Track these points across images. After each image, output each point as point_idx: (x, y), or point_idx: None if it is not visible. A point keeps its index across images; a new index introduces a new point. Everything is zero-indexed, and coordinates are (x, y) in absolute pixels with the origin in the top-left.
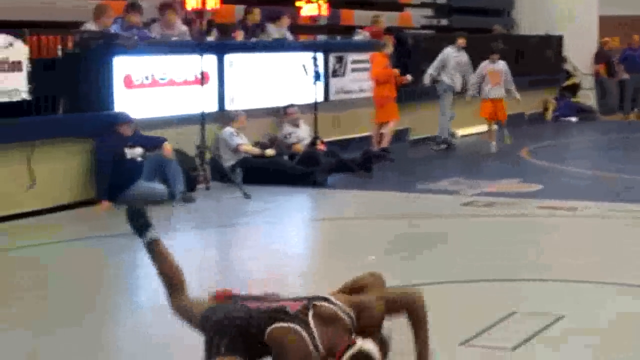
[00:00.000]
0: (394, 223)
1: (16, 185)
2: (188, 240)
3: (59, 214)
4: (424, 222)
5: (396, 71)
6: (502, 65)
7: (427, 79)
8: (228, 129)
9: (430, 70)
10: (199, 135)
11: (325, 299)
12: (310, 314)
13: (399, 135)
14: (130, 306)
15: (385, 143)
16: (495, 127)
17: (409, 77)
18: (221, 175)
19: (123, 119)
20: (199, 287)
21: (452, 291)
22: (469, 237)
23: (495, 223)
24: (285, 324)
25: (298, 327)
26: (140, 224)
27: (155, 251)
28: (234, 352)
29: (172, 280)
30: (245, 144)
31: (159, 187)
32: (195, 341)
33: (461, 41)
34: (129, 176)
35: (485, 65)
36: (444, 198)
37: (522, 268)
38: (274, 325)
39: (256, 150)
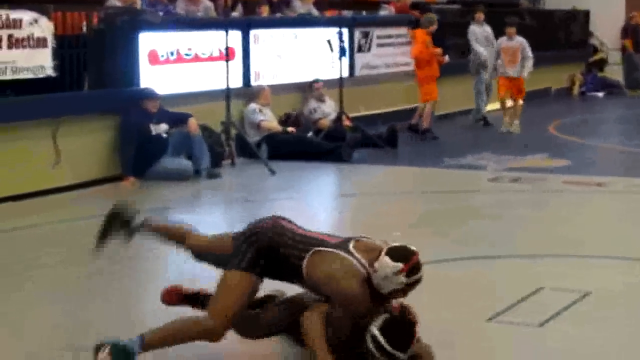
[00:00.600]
0: (420, 198)
1: (42, 162)
2: (213, 216)
3: (84, 191)
4: (451, 198)
5: (438, 50)
6: (519, 41)
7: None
8: (252, 105)
9: (479, 51)
10: (225, 111)
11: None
12: (351, 244)
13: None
14: (154, 281)
15: (425, 123)
16: (510, 103)
17: (447, 57)
18: (247, 151)
19: (148, 95)
20: None
21: (480, 267)
22: (496, 213)
23: (522, 199)
24: (328, 249)
25: (342, 253)
26: (123, 223)
27: (153, 229)
28: (252, 269)
29: (177, 237)
30: (267, 121)
31: (185, 162)
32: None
33: (479, 15)
34: (155, 152)
35: (500, 42)
36: (470, 173)
37: (549, 244)
38: (314, 251)
39: (277, 127)
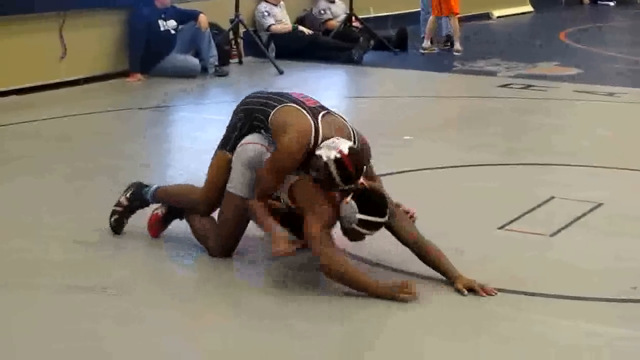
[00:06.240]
0: (430, 103)
1: (48, 56)
2: (220, 113)
3: (90, 85)
4: (461, 103)
5: None
6: None
7: None
8: (261, 6)
9: None
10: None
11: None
12: (321, 115)
13: None
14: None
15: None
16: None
17: None
18: (254, 49)
19: None
20: None
21: (490, 174)
22: (506, 120)
23: (533, 106)
24: (296, 106)
25: (306, 114)
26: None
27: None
28: (224, 147)
29: (185, 202)
30: (275, 25)
31: (192, 60)
32: None
33: None
34: (163, 49)
35: None
36: (480, 79)
37: (560, 153)
38: (284, 104)
39: (287, 28)
